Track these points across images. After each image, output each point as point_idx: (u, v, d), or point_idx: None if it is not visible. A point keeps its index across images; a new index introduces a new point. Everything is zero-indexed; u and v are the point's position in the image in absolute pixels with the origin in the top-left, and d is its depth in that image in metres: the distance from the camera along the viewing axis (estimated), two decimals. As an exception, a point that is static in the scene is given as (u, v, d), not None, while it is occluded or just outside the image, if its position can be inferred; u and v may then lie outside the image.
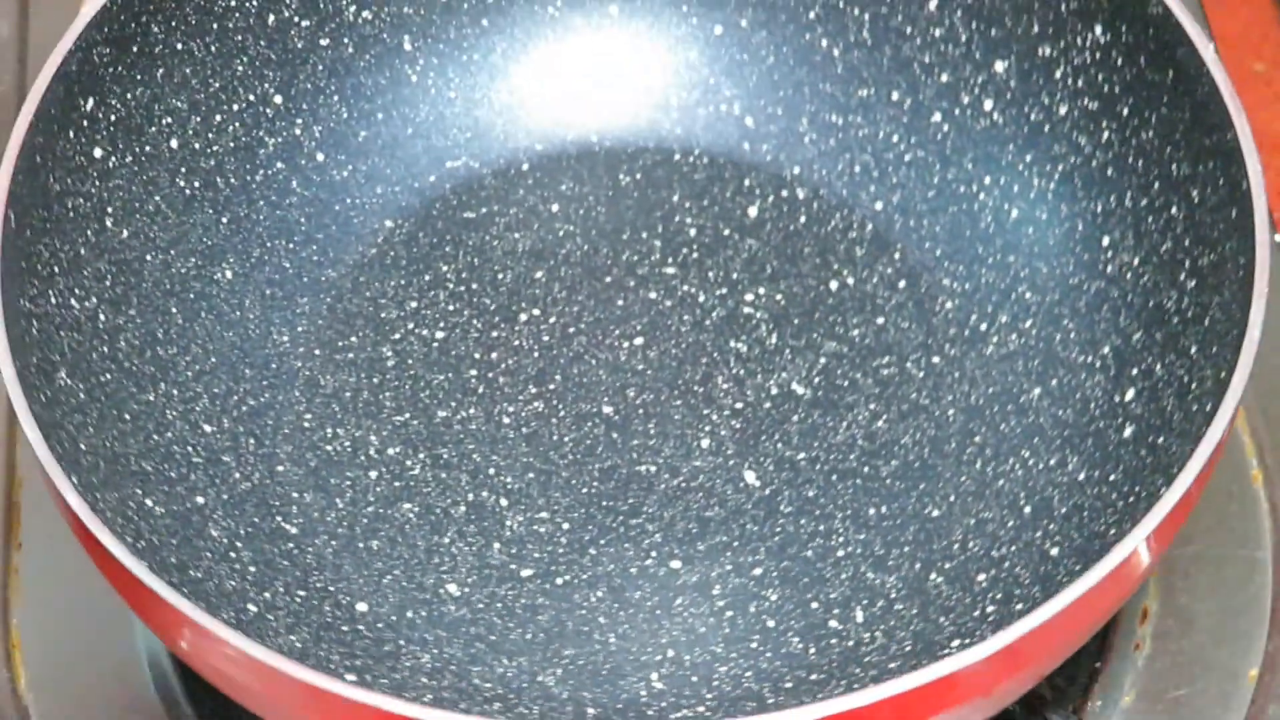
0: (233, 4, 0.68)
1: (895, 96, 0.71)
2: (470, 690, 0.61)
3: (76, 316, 0.63)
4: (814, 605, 0.63)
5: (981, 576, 0.62)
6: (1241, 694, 0.66)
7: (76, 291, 0.63)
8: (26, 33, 0.83)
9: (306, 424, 0.67)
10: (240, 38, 0.69)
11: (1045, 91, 0.68)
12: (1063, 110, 0.67)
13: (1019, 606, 0.61)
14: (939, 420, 0.66)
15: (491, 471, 0.66)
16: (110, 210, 0.65)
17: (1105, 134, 0.66)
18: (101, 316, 0.64)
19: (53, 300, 0.62)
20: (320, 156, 0.71)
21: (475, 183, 0.72)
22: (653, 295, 0.70)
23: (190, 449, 0.65)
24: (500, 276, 0.70)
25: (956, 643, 0.61)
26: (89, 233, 0.64)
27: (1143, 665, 0.67)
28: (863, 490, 0.65)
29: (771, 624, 0.63)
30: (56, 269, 0.62)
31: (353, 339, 0.69)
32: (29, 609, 0.68)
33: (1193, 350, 0.61)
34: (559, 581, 0.64)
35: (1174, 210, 0.63)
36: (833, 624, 0.62)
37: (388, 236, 0.71)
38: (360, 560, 0.64)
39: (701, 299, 0.70)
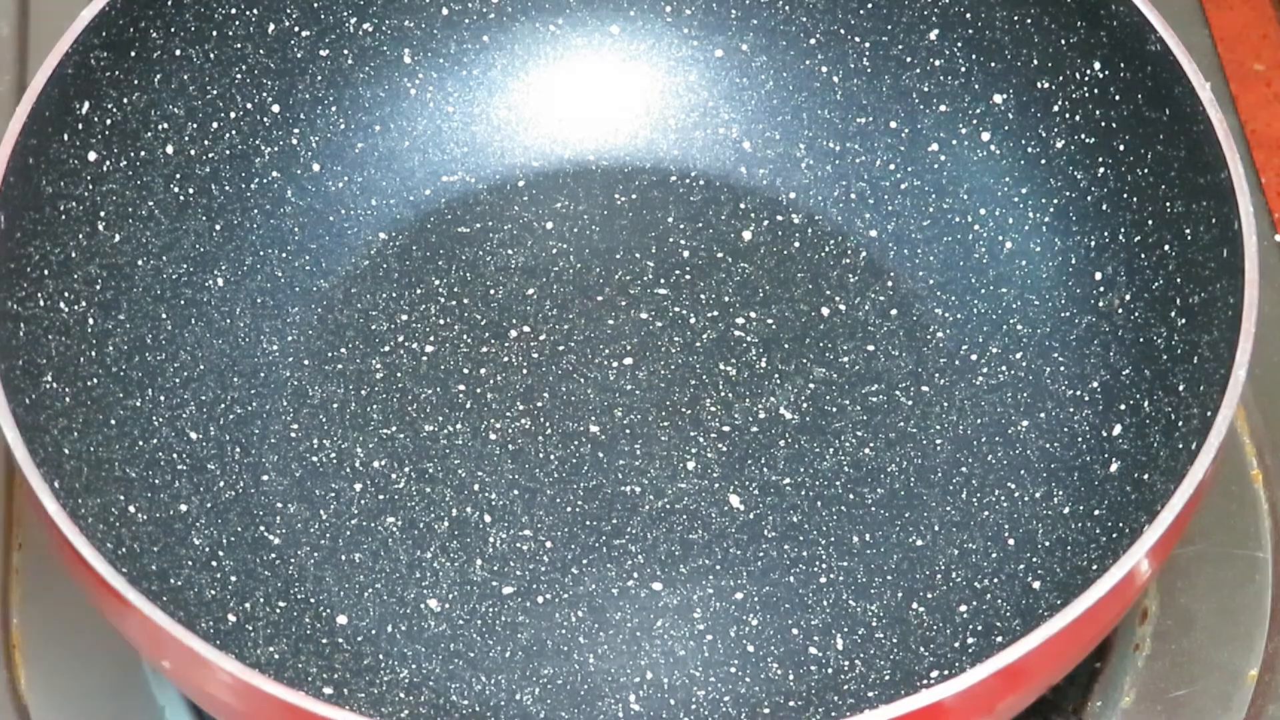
0: (233, 11, 0.68)
1: (893, 125, 0.71)
2: (447, 707, 0.61)
3: (65, 320, 0.63)
4: (794, 631, 0.63)
5: (963, 607, 0.62)
6: (1241, 694, 0.66)
7: (66, 295, 0.63)
8: (26, 33, 0.82)
9: (293, 434, 0.67)
10: (240, 46, 0.69)
11: (1043, 125, 0.68)
12: (1060, 144, 0.67)
13: (999, 639, 0.61)
14: (926, 450, 0.66)
15: (476, 488, 0.66)
16: (103, 214, 0.65)
17: (1101, 169, 0.66)
18: (90, 320, 0.64)
19: (41, 303, 0.62)
20: (316, 167, 0.71)
21: (470, 198, 0.72)
22: (644, 315, 0.70)
23: (175, 456, 0.65)
24: (492, 292, 0.70)
25: (935, 673, 0.61)
26: (80, 236, 0.64)
27: (1143, 665, 0.67)
28: (847, 517, 0.65)
29: (751, 649, 0.62)
30: (46, 271, 0.62)
31: (342, 350, 0.69)
32: (29, 609, 0.68)
33: (1180, 388, 0.61)
34: (540, 600, 0.63)
35: (1167, 248, 0.63)
36: (813, 650, 0.62)
37: (381, 249, 0.71)
38: (342, 573, 0.64)
39: (692, 321, 0.69)
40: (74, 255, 0.64)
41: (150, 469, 0.63)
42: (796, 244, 0.71)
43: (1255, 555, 0.69)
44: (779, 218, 0.71)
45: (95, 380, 0.63)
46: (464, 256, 0.71)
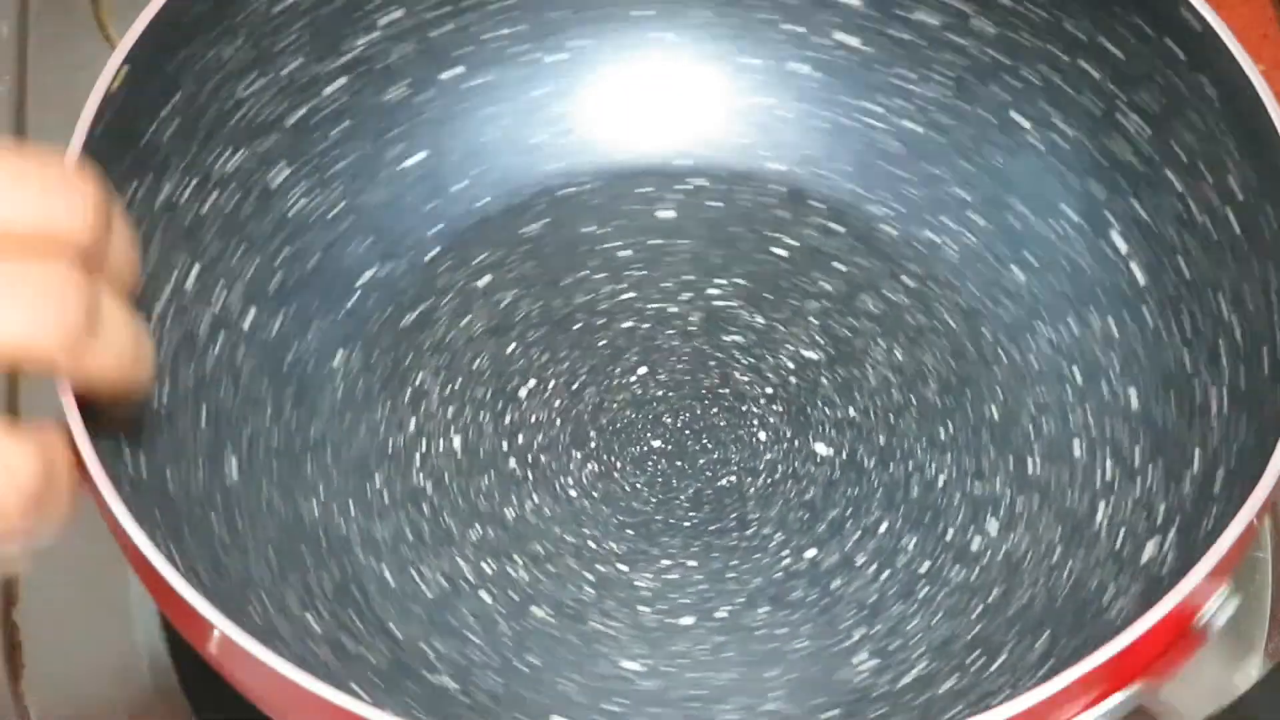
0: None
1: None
2: None
3: None
4: (949, 534, 0.66)
5: (1075, 443, 0.67)
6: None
7: None
8: (26, 33, 0.82)
9: (392, 582, 0.64)
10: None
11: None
12: None
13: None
14: (944, 330, 0.70)
15: (592, 545, 0.65)
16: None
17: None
18: None
19: None
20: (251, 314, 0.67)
21: (393, 285, 0.70)
22: (628, 324, 0.70)
23: (310, 645, 0.61)
24: (477, 365, 0.69)
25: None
26: None
27: None
28: (923, 417, 0.68)
29: (924, 568, 0.65)
30: None
31: (377, 483, 0.66)
32: (29, 609, 0.68)
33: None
34: (721, 616, 0.64)
35: None
36: (974, 547, 0.65)
37: (344, 370, 0.68)
38: (531, 680, 0.62)
39: (673, 310, 0.70)
40: None
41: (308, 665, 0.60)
42: (718, 204, 0.72)
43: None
44: (686, 185, 0.73)
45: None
46: (426, 344, 0.69)
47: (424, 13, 0.70)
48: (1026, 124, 0.69)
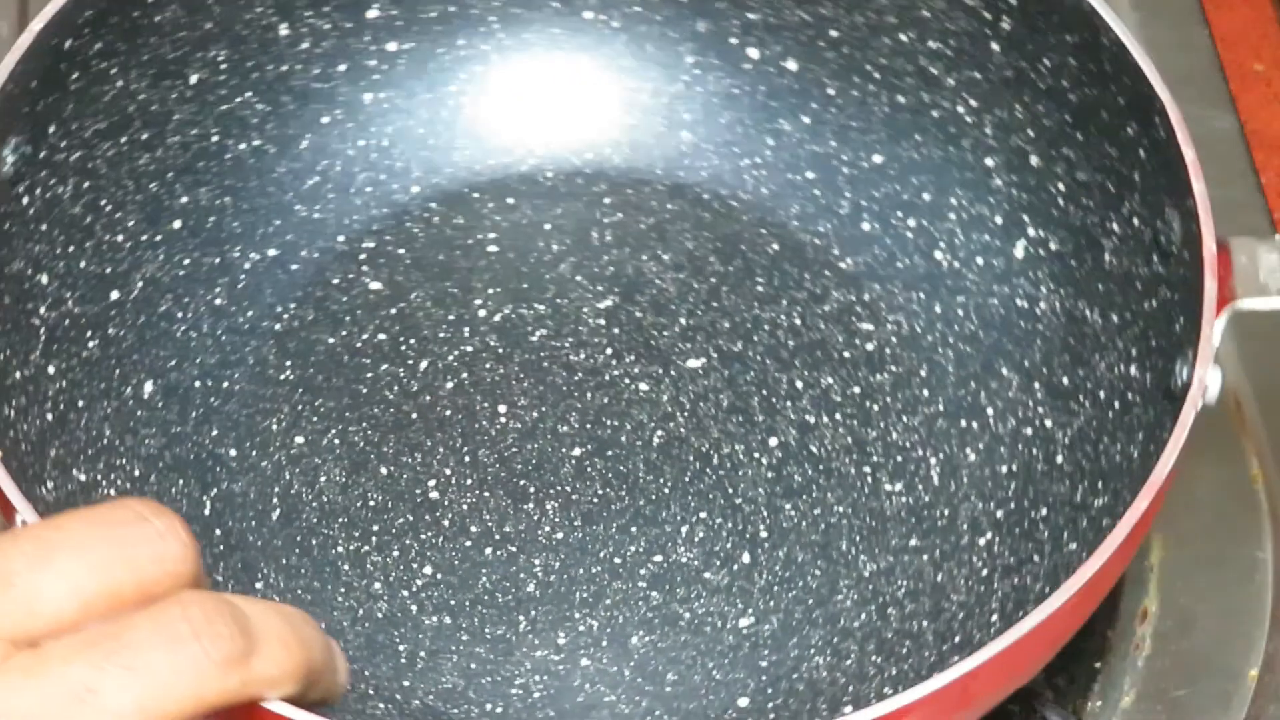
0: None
1: None
2: None
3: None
4: None
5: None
6: (1241, 694, 0.67)
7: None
8: None
9: (422, 658, 0.66)
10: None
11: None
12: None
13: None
14: (888, 304, 0.72)
15: (682, 548, 0.67)
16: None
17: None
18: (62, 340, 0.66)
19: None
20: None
21: (331, 360, 0.72)
22: (596, 321, 0.72)
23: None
24: (452, 413, 0.70)
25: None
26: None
27: (1143, 665, 0.68)
28: (898, 380, 0.71)
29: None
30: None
31: (391, 557, 0.68)
32: None
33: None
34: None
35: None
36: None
37: (323, 447, 0.70)
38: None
39: (642, 318, 0.72)
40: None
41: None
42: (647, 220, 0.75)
43: (1255, 555, 0.70)
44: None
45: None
46: (390, 398, 0.71)
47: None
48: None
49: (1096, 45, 0.66)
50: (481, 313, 0.72)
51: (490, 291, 0.73)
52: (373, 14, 0.74)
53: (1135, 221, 0.66)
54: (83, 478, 0.64)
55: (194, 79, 0.71)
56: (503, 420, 0.70)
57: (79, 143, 0.67)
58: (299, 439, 0.69)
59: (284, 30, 0.73)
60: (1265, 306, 0.61)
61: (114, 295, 0.69)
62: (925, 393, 0.70)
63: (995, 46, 0.70)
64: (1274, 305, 0.61)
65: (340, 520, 0.67)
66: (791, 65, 0.75)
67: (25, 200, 0.65)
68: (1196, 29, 0.83)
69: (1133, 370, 0.65)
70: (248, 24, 0.72)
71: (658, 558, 0.67)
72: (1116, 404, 0.65)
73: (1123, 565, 0.57)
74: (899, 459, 0.69)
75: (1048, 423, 0.67)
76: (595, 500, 0.68)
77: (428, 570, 0.67)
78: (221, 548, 0.66)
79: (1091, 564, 0.54)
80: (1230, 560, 0.70)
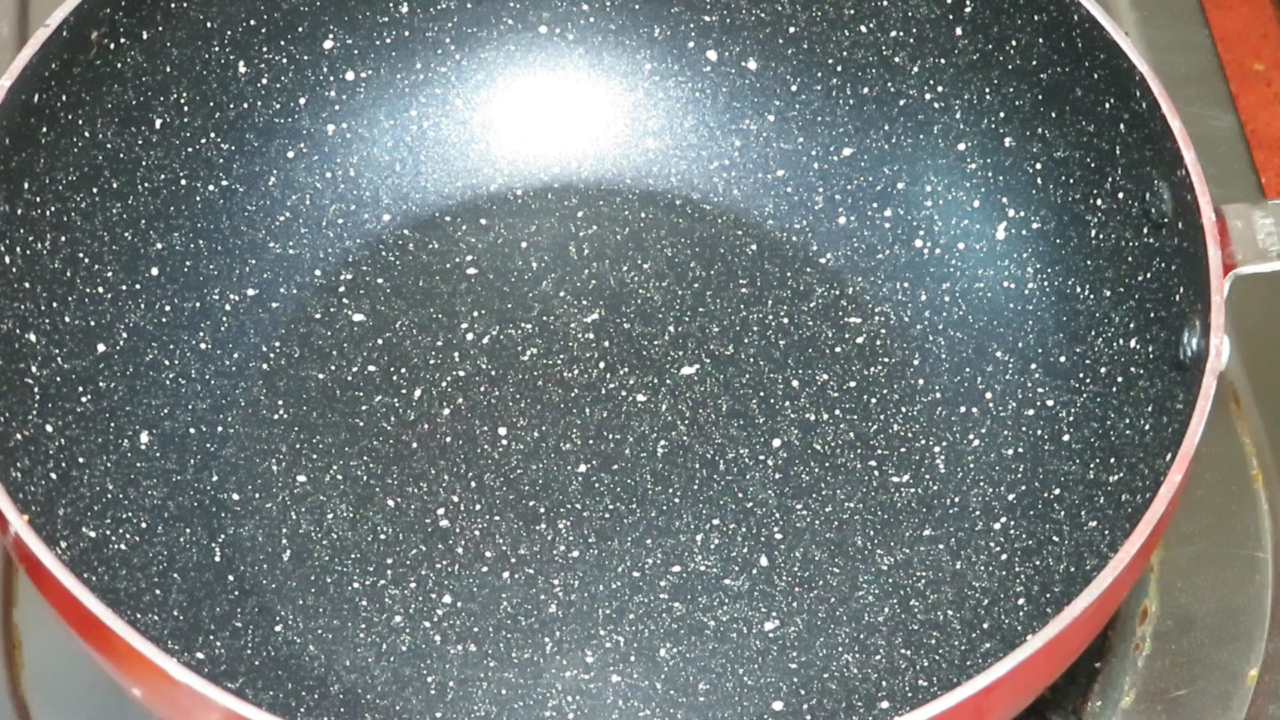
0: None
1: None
2: None
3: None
4: None
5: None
6: (1241, 694, 0.67)
7: None
8: (26, 33, 0.83)
9: (451, 688, 0.65)
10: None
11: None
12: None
13: None
14: (875, 302, 0.73)
15: (708, 559, 0.67)
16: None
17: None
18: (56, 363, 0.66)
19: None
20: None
21: (323, 396, 0.72)
22: (585, 336, 0.72)
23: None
24: (452, 439, 0.70)
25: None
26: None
27: (1143, 665, 0.68)
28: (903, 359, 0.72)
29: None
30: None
31: (415, 582, 0.67)
32: (29, 609, 0.69)
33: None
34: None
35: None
36: None
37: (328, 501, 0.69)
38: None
39: (634, 331, 0.73)
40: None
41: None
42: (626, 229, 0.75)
43: (1255, 555, 0.70)
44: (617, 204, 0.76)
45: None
46: (389, 426, 0.70)
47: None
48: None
49: (1067, 23, 0.67)
50: (469, 336, 0.72)
51: (475, 314, 0.73)
52: (329, 44, 0.74)
53: (1121, 196, 0.66)
54: (93, 534, 0.64)
55: (158, 123, 0.71)
56: (505, 442, 0.70)
57: (53, 196, 0.67)
58: (301, 477, 0.68)
59: (242, 68, 0.72)
60: (1267, 269, 0.62)
61: (100, 348, 0.68)
62: (921, 382, 0.70)
63: (959, 30, 0.71)
64: (1275, 268, 0.62)
65: (353, 556, 0.67)
66: (752, 65, 0.75)
67: (7, 259, 0.65)
68: (1196, 29, 0.83)
69: (1133, 344, 0.65)
70: (206, 64, 0.72)
71: (676, 568, 0.67)
72: (1120, 378, 0.66)
73: (1155, 543, 0.57)
74: (903, 450, 0.69)
75: (1049, 402, 0.68)
76: (607, 515, 0.68)
77: (447, 599, 0.66)
78: (236, 594, 0.66)
79: (1141, 531, 0.55)
80: (1230, 560, 0.71)
